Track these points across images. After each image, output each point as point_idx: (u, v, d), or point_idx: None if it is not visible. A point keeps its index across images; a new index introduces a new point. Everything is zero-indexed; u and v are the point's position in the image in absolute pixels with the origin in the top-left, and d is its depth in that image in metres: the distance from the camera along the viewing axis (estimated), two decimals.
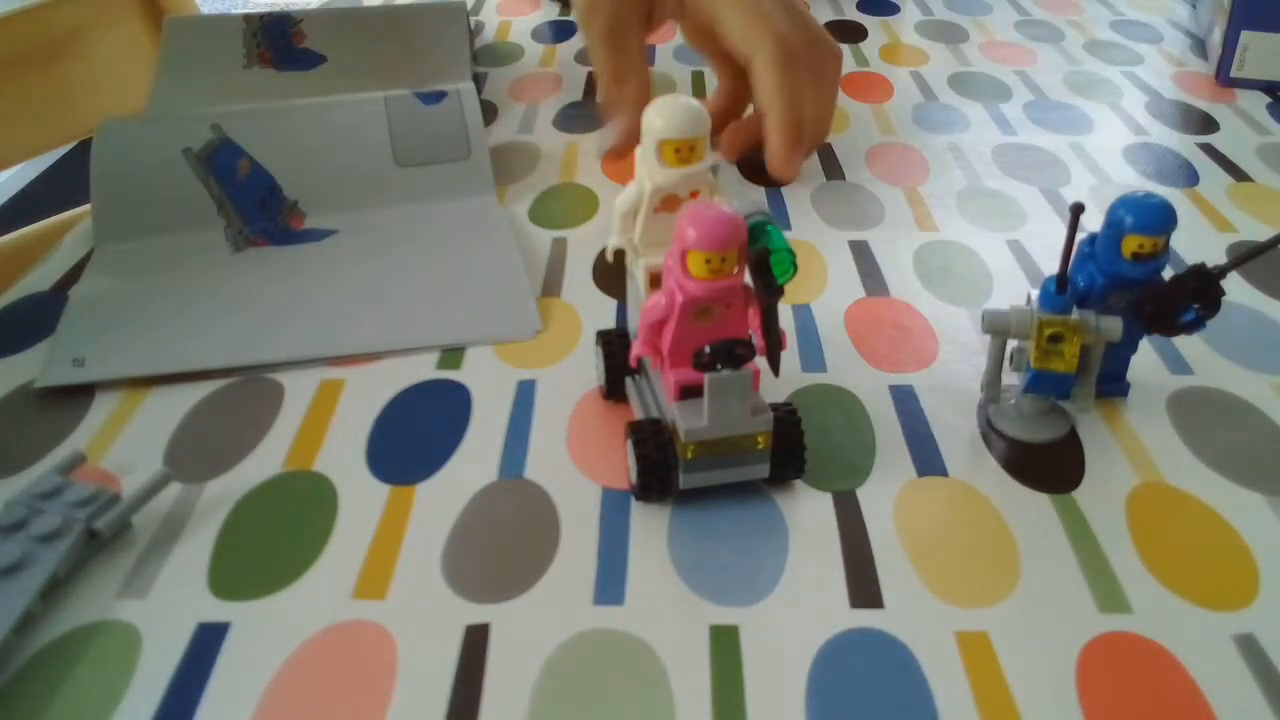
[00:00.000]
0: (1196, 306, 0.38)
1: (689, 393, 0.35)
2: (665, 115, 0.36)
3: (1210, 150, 0.62)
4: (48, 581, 0.33)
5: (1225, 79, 0.71)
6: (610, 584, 0.34)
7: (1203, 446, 0.39)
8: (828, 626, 0.32)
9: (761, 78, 0.53)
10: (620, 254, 0.39)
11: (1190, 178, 0.59)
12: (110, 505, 0.35)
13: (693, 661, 0.31)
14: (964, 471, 0.38)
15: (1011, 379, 0.40)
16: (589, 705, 0.30)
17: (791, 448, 0.36)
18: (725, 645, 0.32)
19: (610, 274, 0.50)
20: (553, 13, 0.86)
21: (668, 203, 0.37)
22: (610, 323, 0.47)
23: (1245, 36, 0.69)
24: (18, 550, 0.33)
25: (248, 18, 0.69)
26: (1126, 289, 0.38)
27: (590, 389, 0.42)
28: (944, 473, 0.38)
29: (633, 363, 0.39)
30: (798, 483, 0.38)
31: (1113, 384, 0.41)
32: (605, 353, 0.40)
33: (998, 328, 0.38)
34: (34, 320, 0.48)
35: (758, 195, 0.57)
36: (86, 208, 0.56)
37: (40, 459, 0.40)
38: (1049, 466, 0.38)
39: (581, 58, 0.76)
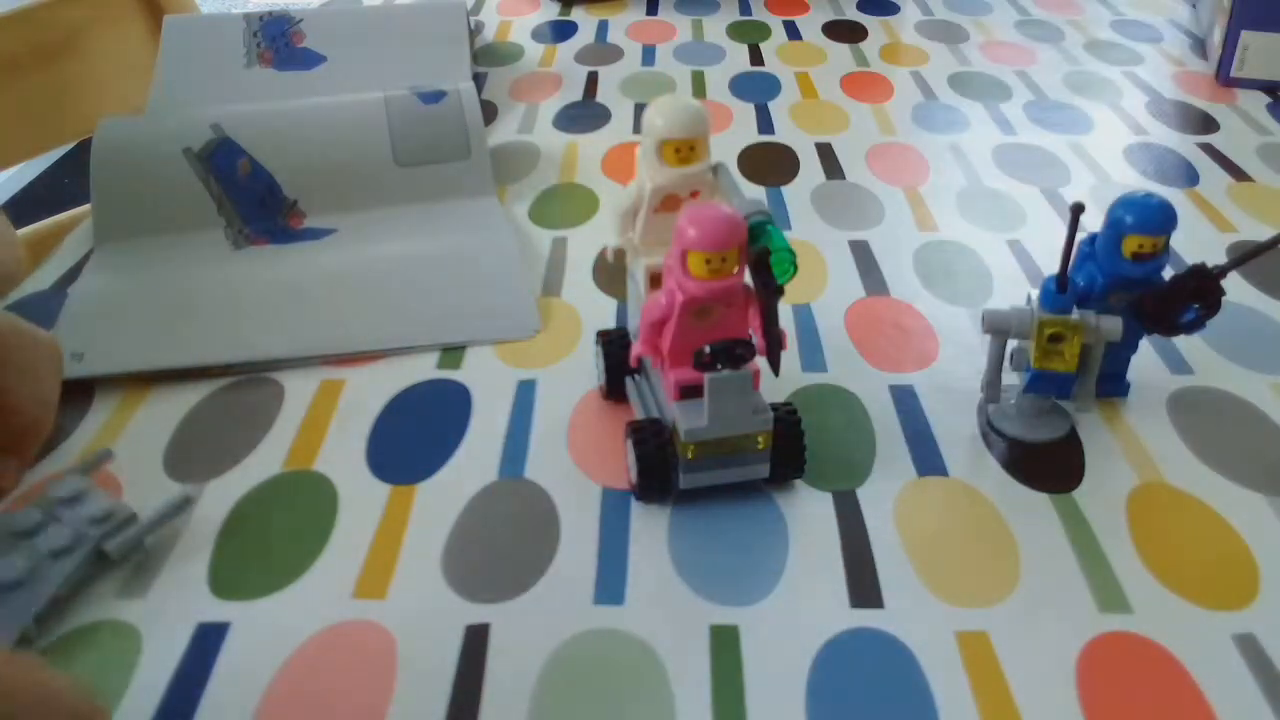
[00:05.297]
0: (1196, 306, 0.38)
1: (689, 393, 0.35)
2: (666, 115, 0.36)
3: (1210, 150, 0.62)
4: (48, 604, 0.32)
5: (1225, 79, 0.71)
6: (610, 584, 0.34)
7: (1203, 446, 0.39)
8: (828, 626, 0.32)
9: None
10: (620, 254, 0.39)
11: (1190, 178, 0.59)
12: (124, 526, 0.35)
13: (693, 661, 0.31)
14: (964, 471, 0.38)
15: (1011, 379, 0.40)
16: (589, 705, 0.30)
17: (791, 448, 0.36)
18: (725, 645, 0.32)
19: (610, 274, 0.50)
20: (553, 13, 0.86)
21: (668, 203, 0.37)
22: (610, 323, 0.47)
23: (1245, 36, 0.69)
24: (25, 564, 0.32)
25: (248, 18, 0.69)
26: (1126, 289, 0.38)
27: (590, 389, 0.42)
28: (944, 473, 0.38)
29: (633, 363, 0.39)
30: (798, 483, 0.38)
31: (1113, 384, 0.41)
32: (605, 353, 0.40)
33: (998, 328, 0.38)
34: (35, 318, 0.48)
35: (758, 195, 0.57)
36: (86, 208, 0.56)
37: (41, 457, 0.39)
38: (1049, 466, 0.38)
39: (581, 57, 0.76)
